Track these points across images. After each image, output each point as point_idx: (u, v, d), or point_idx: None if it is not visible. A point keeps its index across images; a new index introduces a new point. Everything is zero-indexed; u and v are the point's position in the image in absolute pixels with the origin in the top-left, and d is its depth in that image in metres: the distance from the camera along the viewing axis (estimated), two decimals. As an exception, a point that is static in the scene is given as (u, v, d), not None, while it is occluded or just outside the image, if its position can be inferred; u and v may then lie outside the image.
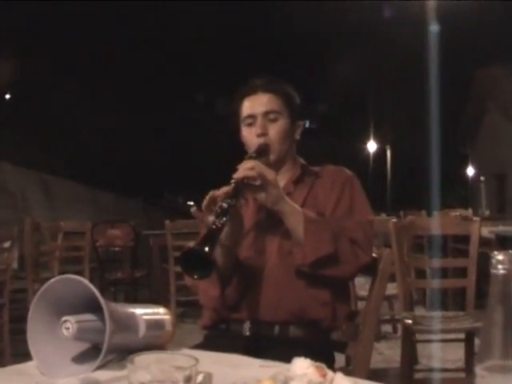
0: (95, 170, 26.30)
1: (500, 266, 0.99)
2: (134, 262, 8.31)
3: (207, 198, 2.10)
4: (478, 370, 1.00)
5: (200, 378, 1.24)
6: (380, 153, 41.84)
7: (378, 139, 42.13)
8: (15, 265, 5.39)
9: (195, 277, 1.93)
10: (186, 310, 7.20)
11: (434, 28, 18.56)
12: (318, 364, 1.40)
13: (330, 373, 1.37)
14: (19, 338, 5.39)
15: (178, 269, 6.37)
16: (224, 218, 1.97)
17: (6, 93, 29.20)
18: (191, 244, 1.91)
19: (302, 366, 1.38)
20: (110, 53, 36.83)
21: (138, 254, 8.61)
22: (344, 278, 2.34)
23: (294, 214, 2.21)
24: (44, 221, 6.81)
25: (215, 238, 1.91)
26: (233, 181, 2.10)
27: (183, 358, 1.19)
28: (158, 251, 7.40)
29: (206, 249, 1.83)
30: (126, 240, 8.51)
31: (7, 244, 5.16)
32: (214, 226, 1.94)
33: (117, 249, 8.68)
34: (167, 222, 6.47)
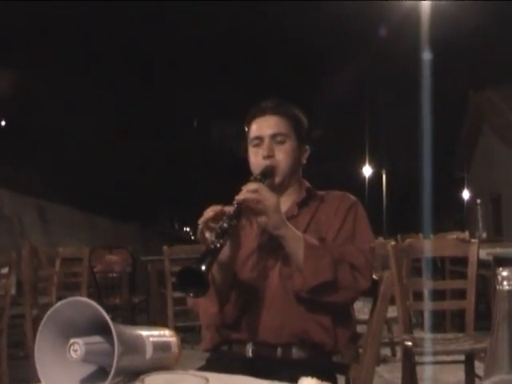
0: (92, 196, 26.32)
1: (505, 283, 1.00)
2: (131, 287, 8.29)
3: (210, 212, 2.10)
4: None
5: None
6: (376, 177, 41.93)
7: (374, 164, 42.27)
8: (13, 291, 5.38)
9: (191, 295, 1.94)
10: (185, 335, 7.17)
11: (427, 54, 18.67)
12: (324, 383, 1.42)
13: (337, 392, 1.39)
14: (17, 364, 5.39)
15: (176, 294, 6.37)
16: (223, 238, 1.98)
17: (1, 119, 29.28)
18: (189, 263, 1.92)
19: (308, 385, 1.40)
20: (109, 77, 36.96)
21: (135, 279, 8.59)
22: (343, 303, 2.32)
23: (295, 239, 2.21)
24: (40, 246, 6.82)
25: (213, 258, 1.92)
26: (235, 202, 2.11)
27: (193, 379, 1.19)
28: (156, 277, 7.38)
29: (203, 268, 1.84)
30: (124, 265, 8.50)
31: (5, 270, 5.15)
32: (212, 246, 1.95)
33: (115, 274, 8.64)
34: (165, 247, 6.44)
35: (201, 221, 2.10)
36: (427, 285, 5.22)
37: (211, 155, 48.47)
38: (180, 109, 45.90)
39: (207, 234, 2.07)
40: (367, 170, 42.10)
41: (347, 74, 44.21)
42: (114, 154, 34.79)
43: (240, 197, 2.13)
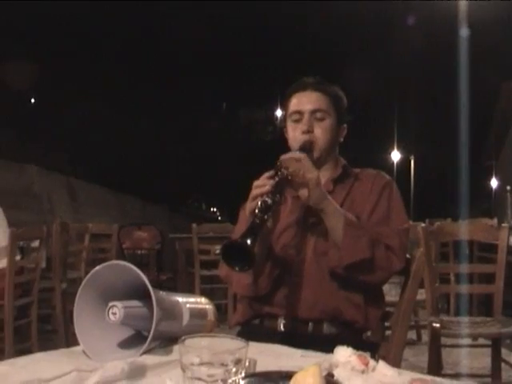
0: (121, 176, 26.40)
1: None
2: (159, 264, 8.33)
3: (264, 186, 2.09)
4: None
5: (246, 363, 1.26)
6: (404, 162, 41.74)
7: (402, 149, 42.07)
8: (43, 264, 5.44)
9: (236, 269, 1.94)
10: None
11: (462, 34, 18.46)
12: (360, 353, 1.43)
13: (371, 361, 1.40)
14: (46, 337, 5.44)
15: (204, 272, 6.40)
16: (267, 214, 1.99)
17: (31, 97, 29.40)
18: (234, 237, 1.93)
19: (344, 354, 1.41)
20: (140, 62, 37.04)
21: (163, 257, 8.63)
22: (376, 283, 2.34)
23: (335, 214, 2.22)
24: (70, 223, 6.86)
25: (257, 233, 1.92)
26: (279, 162, 2.14)
27: (233, 342, 1.21)
28: (184, 255, 7.41)
29: (249, 241, 1.85)
30: (153, 243, 8.55)
31: (36, 244, 5.21)
32: (257, 221, 1.96)
33: (143, 251, 8.69)
34: (194, 225, 6.46)
35: (255, 192, 2.10)
36: (455, 268, 5.21)
37: (238, 139, 48.56)
38: (209, 93, 45.96)
39: (250, 210, 2.09)
40: (396, 155, 41.94)
41: (376, 58, 43.98)
42: (143, 137, 34.91)
43: (285, 156, 2.16)
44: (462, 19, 17.94)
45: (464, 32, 18.65)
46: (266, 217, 1.98)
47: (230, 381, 1.13)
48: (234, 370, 1.13)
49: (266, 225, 2.03)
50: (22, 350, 4.49)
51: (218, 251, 6.26)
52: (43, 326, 5.80)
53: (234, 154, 45.27)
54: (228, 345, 1.19)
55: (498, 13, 22.71)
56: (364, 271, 2.23)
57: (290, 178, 2.13)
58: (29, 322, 4.86)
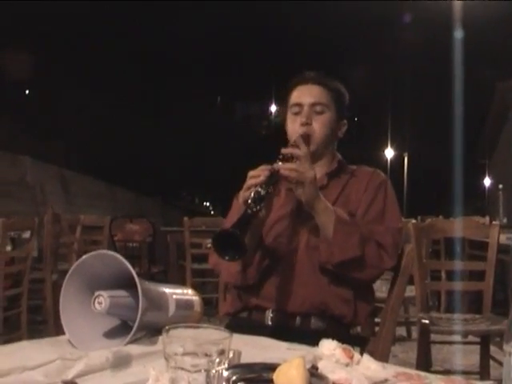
0: (114, 168, 26.42)
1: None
2: (151, 257, 8.33)
3: (260, 176, 2.10)
4: (508, 347, 1.03)
5: (230, 354, 1.26)
6: (397, 160, 41.77)
7: (396, 146, 42.10)
8: (35, 254, 5.43)
9: (226, 258, 1.95)
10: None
11: (457, 35, 18.49)
12: (345, 346, 1.43)
13: (356, 354, 1.40)
14: (36, 328, 5.43)
15: (195, 266, 6.40)
16: (260, 205, 2.00)
17: (26, 88, 29.35)
18: (226, 226, 1.94)
19: (329, 347, 1.42)
20: (137, 52, 37.00)
21: (155, 250, 8.63)
22: (366, 280, 2.34)
23: (326, 212, 2.22)
24: (62, 215, 6.85)
25: (249, 223, 1.95)
26: (280, 156, 2.15)
27: (217, 332, 1.21)
28: (176, 248, 7.40)
29: (239, 231, 1.87)
30: (145, 235, 8.54)
31: (27, 234, 5.20)
32: (249, 211, 1.97)
33: (135, 244, 8.68)
34: (185, 218, 6.46)
35: (249, 182, 2.11)
36: (446, 265, 5.22)
37: (233, 133, 48.53)
38: (204, 87, 45.87)
39: (242, 200, 2.10)
40: (389, 153, 41.96)
41: (371, 56, 44.00)
42: (138, 130, 34.87)
43: (286, 151, 2.17)
44: (457, 19, 17.97)
45: (459, 32, 18.67)
46: (258, 207, 1.99)
47: (213, 371, 1.13)
48: (217, 360, 1.13)
49: (258, 215, 2.04)
50: (12, 340, 4.48)
51: (209, 245, 6.27)
52: (33, 317, 5.79)
53: (229, 149, 45.25)
54: (212, 335, 1.20)
55: (493, 13, 22.74)
56: (354, 268, 2.24)
57: (284, 173, 2.13)
58: (19, 313, 4.86)
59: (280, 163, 2.13)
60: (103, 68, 32.66)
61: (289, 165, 2.14)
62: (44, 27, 27.20)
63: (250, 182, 2.10)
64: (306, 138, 2.39)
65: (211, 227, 6.51)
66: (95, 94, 29.70)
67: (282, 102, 2.60)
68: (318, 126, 2.44)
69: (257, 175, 2.09)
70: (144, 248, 8.43)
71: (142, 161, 35.03)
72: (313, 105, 2.45)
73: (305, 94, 2.48)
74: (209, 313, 6.65)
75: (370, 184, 2.43)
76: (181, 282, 6.66)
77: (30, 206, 11.20)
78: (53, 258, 5.54)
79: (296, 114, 2.47)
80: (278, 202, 2.38)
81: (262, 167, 2.13)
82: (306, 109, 2.45)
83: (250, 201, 2.01)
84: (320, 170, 2.44)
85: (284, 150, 2.17)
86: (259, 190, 2.03)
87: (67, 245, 6.21)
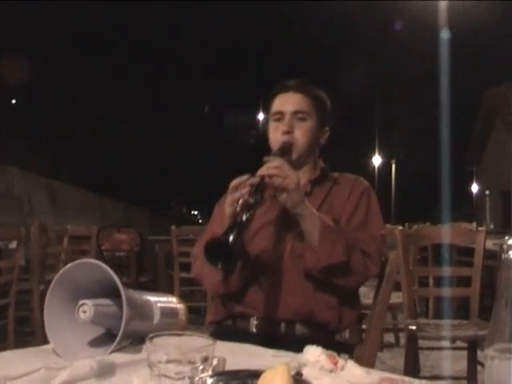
0: (102, 178, 26.37)
1: (511, 252, 1.02)
2: (139, 267, 8.30)
3: (234, 185, 2.13)
4: (489, 351, 1.03)
5: (215, 361, 1.26)
6: (385, 167, 41.90)
7: (384, 154, 42.23)
8: (22, 262, 5.40)
9: (218, 266, 1.98)
10: (189, 316, 7.19)
11: (444, 43, 18.55)
12: (330, 352, 1.43)
13: (341, 361, 1.40)
14: (23, 339, 5.40)
15: (183, 275, 6.39)
16: (249, 212, 2.01)
17: (12, 98, 29.29)
18: (217, 235, 1.94)
19: (314, 353, 1.41)
20: (122, 64, 36.99)
21: (143, 259, 8.61)
22: (351, 287, 2.34)
23: (312, 218, 2.22)
24: (50, 225, 6.83)
25: (240, 231, 1.94)
26: (257, 175, 2.13)
27: (201, 340, 1.22)
28: (164, 257, 7.39)
29: (231, 239, 1.88)
30: (132, 245, 8.51)
31: (13, 245, 5.18)
32: (239, 219, 1.98)
33: (122, 254, 8.66)
34: (173, 227, 6.47)
35: (235, 196, 2.12)
36: (433, 271, 5.23)
37: (221, 142, 48.59)
38: (192, 96, 45.93)
39: (234, 207, 2.10)
40: (377, 160, 42.08)
41: (359, 65, 44.12)
42: (125, 139, 34.86)
43: (263, 172, 2.15)
44: (444, 27, 18.04)
45: (446, 40, 18.74)
46: (248, 215, 2.00)
47: (197, 378, 1.13)
48: (201, 367, 1.14)
49: (248, 224, 2.05)
50: (-1, 351, 4.46)
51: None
52: (21, 328, 5.76)
53: (217, 158, 45.30)
54: (195, 343, 1.20)
55: (481, 21, 22.86)
56: (340, 275, 2.24)
57: (268, 180, 2.14)
58: (6, 324, 4.83)
59: (263, 169, 2.15)
60: (92, 79, 32.67)
61: (271, 170, 2.15)
62: (32, 37, 27.16)
63: (235, 195, 2.11)
64: (288, 146, 2.40)
65: (199, 236, 6.49)
66: (83, 105, 29.68)
67: (265, 111, 2.60)
68: (300, 134, 2.44)
69: (239, 185, 2.11)
70: (132, 257, 8.39)
71: (130, 171, 35.01)
72: (294, 113, 2.45)
73: (286, 102, 2.48)
74: (197, 321, 6.64)
75: (353, 191, 2.44)
76: (169, 291, 6.64)
77: (17, 216, 11.15)
78: (40, 268, 5.51)
79: (277, 120, 2.48)
80: (262, 209, 2.37)
81: (244, 177, 2.14)
82: (287, 117, 2.45)
83: (238, 208, 2.03)
84: (303, 177, 2.44)
85: (260, 172, 2.16)
86: (248, 198, 2.04)
87: (55, 255, 6.18)
